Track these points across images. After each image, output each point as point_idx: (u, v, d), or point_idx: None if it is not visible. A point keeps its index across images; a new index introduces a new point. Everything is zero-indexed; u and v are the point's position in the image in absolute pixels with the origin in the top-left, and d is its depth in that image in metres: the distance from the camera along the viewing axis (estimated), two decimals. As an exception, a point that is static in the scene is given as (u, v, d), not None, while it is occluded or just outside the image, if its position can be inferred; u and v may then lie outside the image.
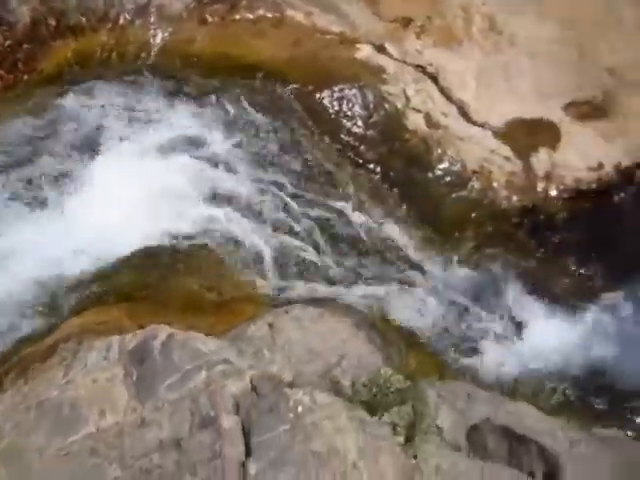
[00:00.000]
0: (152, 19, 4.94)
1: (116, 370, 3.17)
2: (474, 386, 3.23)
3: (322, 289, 4.45)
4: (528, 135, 5.17)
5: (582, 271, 4.54)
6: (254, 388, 2.68)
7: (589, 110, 5.25)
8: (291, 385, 2.72)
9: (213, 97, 4.63)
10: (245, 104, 4.63)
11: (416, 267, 4.65)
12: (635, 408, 3.67)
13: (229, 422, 2.50)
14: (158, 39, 4.93)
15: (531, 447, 2.63)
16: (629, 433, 3.40)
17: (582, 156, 4.98)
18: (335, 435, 2.38)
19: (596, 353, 4.02)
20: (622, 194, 4.81)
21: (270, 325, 3.75)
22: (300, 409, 2.45)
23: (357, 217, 4.72)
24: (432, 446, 2.79)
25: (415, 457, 2.56)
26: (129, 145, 4.42)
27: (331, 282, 4.50)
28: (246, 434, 2.46)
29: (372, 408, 2.84)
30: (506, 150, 5.09)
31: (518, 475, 2.54)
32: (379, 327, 4.26)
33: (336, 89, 4.90)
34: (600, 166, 4.91)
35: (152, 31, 4.91)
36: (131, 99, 4.78)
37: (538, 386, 3.64)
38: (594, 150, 4.99)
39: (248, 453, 2.39)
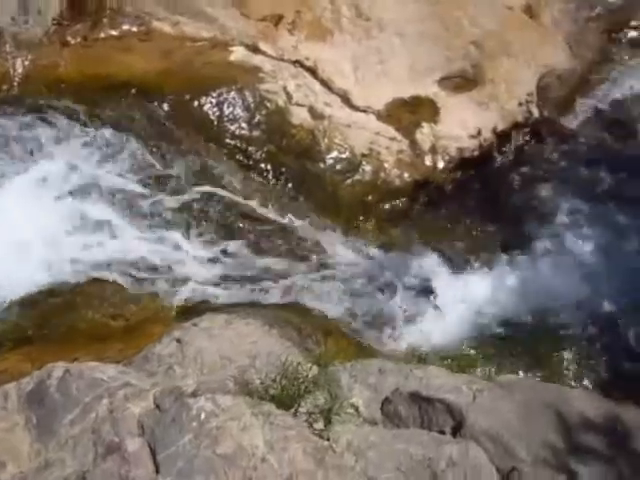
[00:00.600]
0: (8, 48, 4.73)
1: (16, 418, 3.00)
2: (385, 360, 3.31)
3: (232, 294, 4.45)
4: (410, 113, 5.39)
5: (479, 232, 4.77)
6: (157, 405, 2.63)
7: (462, 82, 5.53)
8: (194, 394, 2.69)
9: (84, 121, 4.50)
10: (119, 122, 4.53)
11: (323, 256, 4.73)
12: (538, 354, 3.90)
13: (134, 445, 2.43)
14: (19, 68, 4.73)
15: (438, 406, 2.74)
16: (533, 377, 3.63)
17: (461, 126, 5.24)
18: (241, 434, 2.38)
19: (502, 308, 4.23)
20: (502, 155, 5.13)
21: (178, 340, 3.67)
22: (203, 416, 2.43)
23: (257, 217, 4.75)
24: (349, 425, 2.84)
25: (328, 439, 2.60)
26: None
27: (240, 286, 4.50)
28: (153, 452, 2.41)
29: (284, 401, 2.85)
30: (391, 130, 5.27)
31: (428, 434, 2.64)
32: (294, 322, 4.30)
33: (214, 94, 4.88)
34: (479, 132, 5.19)
35: (11, 61, 4.70)
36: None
37: (448, 348, 3.82)
38: (472, 119, 5.26)
39: (157, 470, 2.34)
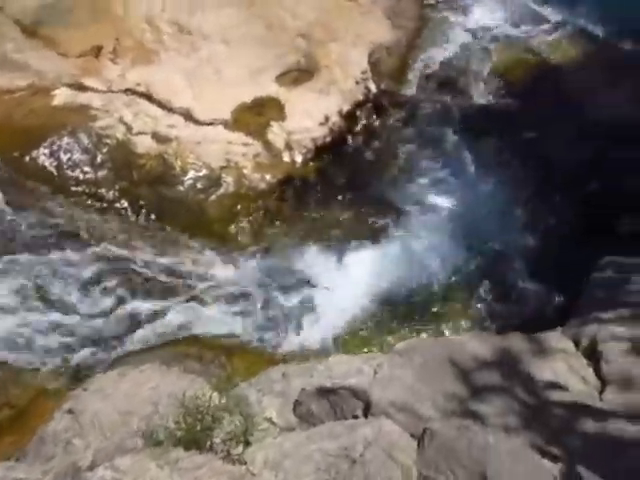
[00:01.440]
0: None
1: None
2: (287, 364, 3.28)
3: (121, 345, 4.20)
4: (257, 116, 5.38)
5: (348, 215, 4.87)
6: (54, 491, 2.41)
7: (298, 74, 5.62)
8: (92, 466, 2.50)
9: None
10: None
11: (209, 278, 4.61)
12: (428, 314, 4.08)
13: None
14: None
15: (344, 393, 2.75)
16: (428, 336, 3.79)
17: (309, 116, 5.32)
18: (149, 490, 2.24)
19: (385, 282, 4.35)
20: (354, 135, 5.29)
21: (70, 411, 3.40)
22: (104, 486, 2.26)
23: (125, 259, 4.52)
24: (267, 440, 2.77)
25: (245, 462, 2.53)
26: None
27: (130, 331, 4.27)
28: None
29: (193, 440, 2.73)
30: (242, 137, 5.24)
31: (342, 424, 2.64)
32: (192, 353, 4.15)
33: (45, 144, 4.58)
34: (327, 119, 5.31)
35: None
36: None
37: (345, 332, 3.88)
38: (316, 107, 5.36)
39: None
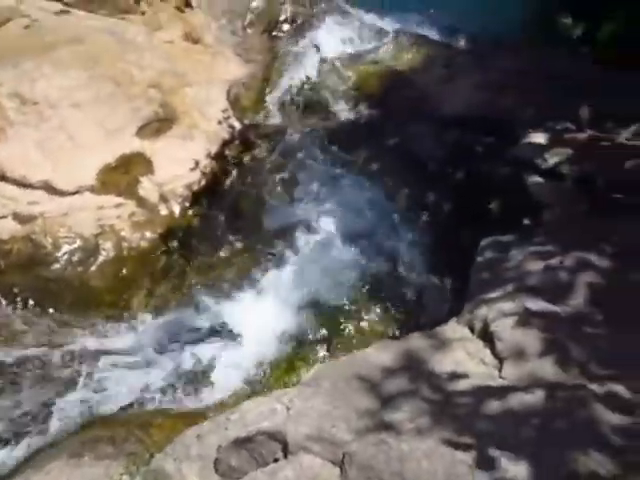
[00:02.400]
0: None
1: None
2: (200, 424, 3.15)
3: (22, 449, 3.85)
4: (124, 174, 5.21)
5: (239, 254, 4.83)
6: None
7: (159, 125, 5.52)
8: None
9: None
10: None
11: (106, 352, 4.36)
12: (335, 334, 4.12)
13: None
14: None
15: (260, 439, 2.68)
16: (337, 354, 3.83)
17: (178, 164, 5.24)
18: None
19: (290, 313, 4.34)
20: (227, 173, 5.28)
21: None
22: None
23: (12, 354, 4.17)
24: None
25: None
26: None
27: (26, 434, 3.91)
28: None
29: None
30: (113, 199, 5.02)
31: (262, 471, 2.56)
32: (104, 435, 3.88)
33: None
34: (197, 163, 5.25)
35: None
36: None
37: (258, 374, 3.83)
38: (184, 154, 5.30)
39: None
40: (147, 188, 5.10)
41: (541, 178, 4.74)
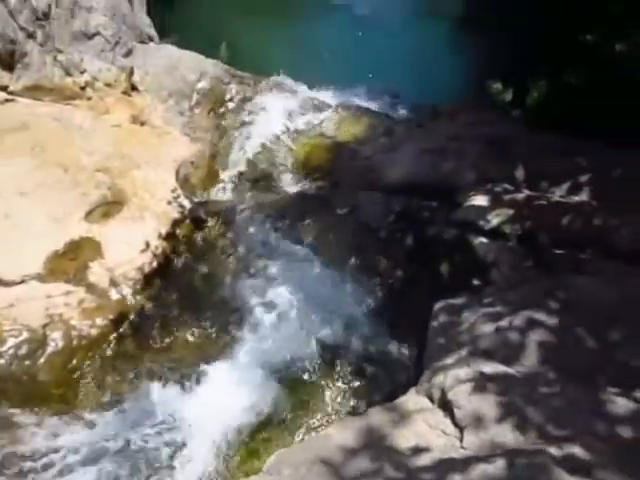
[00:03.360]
0: None
1: None
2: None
3: None
4: (72, 261, 5.12)
5: (199, 332, 4.75)
6: None
7: (108, 208, 5.50)
8: None
9: None
10: None
11: (57, 450, 4.12)
12: (295, 422, 4.05)
13: None
14: None
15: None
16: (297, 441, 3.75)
17: (128, 247, 5.19)
18: None
19: (250, 392, 4.24)
20: (179, 253, 5.26)
21: None
22: None
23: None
24: None
25: None
26: None
27: None
28: None
29: None
30: (62, 286, 4.91)
31: None
32: None
33: None
34: (147, 245, 5.22)
35: None
36: None
37: (219, 463, 3.69)
38: (134, 236, 5.26)
39: None
40: (97, 273, 5.02)
41: (486, 238, 4.93)
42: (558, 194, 5.34)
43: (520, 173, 5.59)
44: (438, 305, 4.27)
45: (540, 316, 3.72)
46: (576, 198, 5.25)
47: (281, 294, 4.70)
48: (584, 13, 6.84)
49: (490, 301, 4.09)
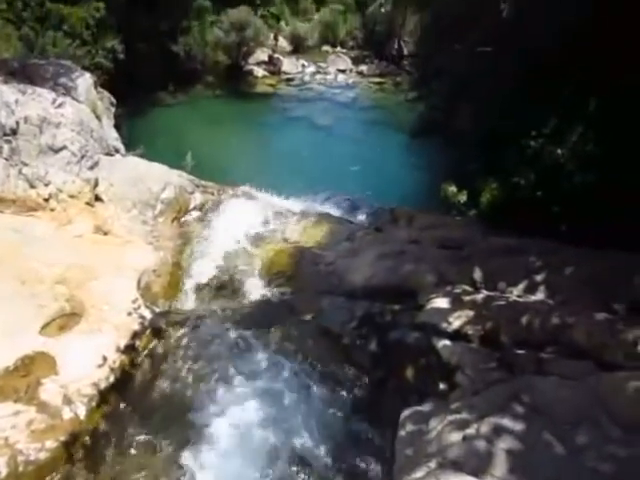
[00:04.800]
0: None
1: None
2: None
3: None
4: (24, 377, 4.87)
5: (158, 453, 4.47)
6: None
7: (65, 320, 5.36)
8: None
9: None
10: None
11: None
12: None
13: None
14: None
15: None
16: None
17: (84, 362, 4.99)
18: None
19: None
20: (139, 365, 5.08)
21: None
22: None
23: None
24: None
25: None
26: None
27: None
28: None
29: None
30: (10, 406, 4.63)
31: None
32: None
33: None
34: (105, 359, 5.03)
35: None
36: None
37: None
38: (90, 350, 5.08)
39: None
40: (50, 390, 4.77)
41: (449, 341, 4.93)
42: (515, 293, 5.46)
43: (478, 274, 5.74)
44: (405, 413, 4.18)
45: (507, 422, 3.67)
46: (533, 297, 5.38)
47: (245, 409, 4.51)
48: (528, 121, 7.41)
49: (457, 407, 4.03)
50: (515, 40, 8.74)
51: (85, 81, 8.53)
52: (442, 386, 4.60)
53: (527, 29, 8.64)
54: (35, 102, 7.43)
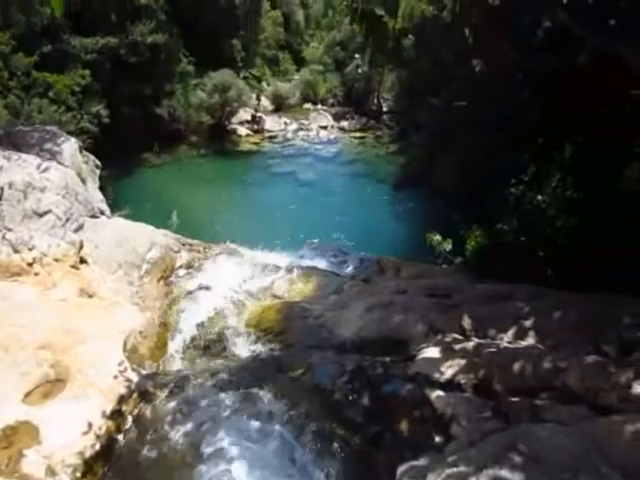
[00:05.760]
0: None
1: None
2: None
3: None
4: (6, 448, 4.70)
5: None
6: None
7: (49, 387, 5.22)
8: None
9: None
10: None
11: None
12: None
13: None
14: None
15: None
16: None
17: (69, 430, 4.83)
18: None
19: None
20: (125, 431, 4.93)
21: None
22: None
23: None
24: None
25: None
26: None
27: None
28: None
29: None
30: (9, 476, 4.48)
31: None
32: None
33: None
34: (90, 425, 4.88)
35: None
36: None
37: None
38: (75, 417, 4.93)
39: None
40: (32, 462, 4.59)
41: (442, 391, 4.87)
42: (506, 340, 5.45)
43: (467, 322, 5.73)
44: (401, 469, 4.07)
45: (505, 473, 3.59)
46: (523, 343, 5.37)
47: (235, 474, 4.36)
48: (507, 169, 7.63)
49: (453, 460, 3.93)
50: (488, 93, 9.13)
51: (70, 146, 8.65)
52: (438, 439, 4.52)
53: (499, 82, 9.04)
54: (20, 168, 7.51)
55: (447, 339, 5.45)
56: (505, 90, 8.99)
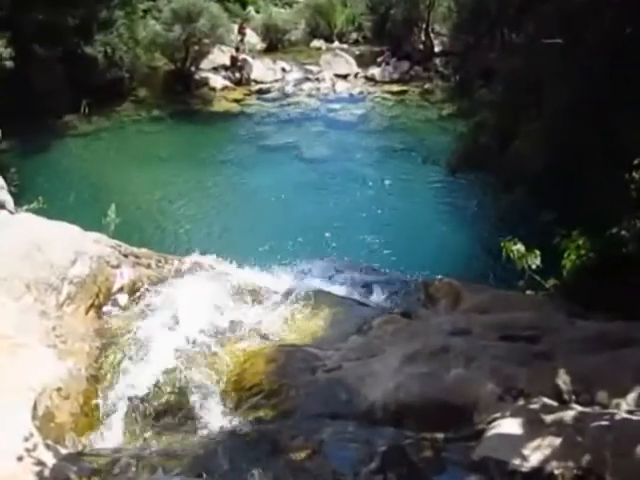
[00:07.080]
0: None
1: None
2: None
3: None
4: None
5: None
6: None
7: None
8: None
9: None
10: None
11: None
12: None
13: None
14: None
15: None
16: None
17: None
18: None
19: None
20: None
21: None
22: None
23: None
24: None
25: None
26: None
27: None
28: None
29: None
30: None
31: None
32: None
33: None
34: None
35: None
36: None
37: None
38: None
39: None
40: None
41: (527, 490, 4.86)
42: (625, 408, 5.43)
43: (564, 379, 5.72)
44: None
45: None
46: (652, 413, 5.35)
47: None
48: (629, 145, 7.63)
49: None
50: (596, 23, 9.08)
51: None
52: None
53: (614, 6, 8.99)
54: None
55: (533, 406, 5.44)
56: (621, 20, 8.95)
